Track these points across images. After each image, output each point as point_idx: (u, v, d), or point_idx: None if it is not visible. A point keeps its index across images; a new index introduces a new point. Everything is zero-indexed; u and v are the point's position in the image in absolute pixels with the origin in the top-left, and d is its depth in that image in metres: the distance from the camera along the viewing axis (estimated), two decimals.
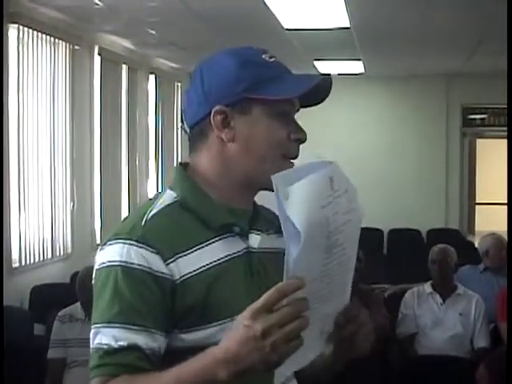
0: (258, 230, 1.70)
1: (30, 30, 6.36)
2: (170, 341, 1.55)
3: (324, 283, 1.45)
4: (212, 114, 1.62)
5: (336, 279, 1.50)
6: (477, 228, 12.47)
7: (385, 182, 11.15)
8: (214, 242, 1.61)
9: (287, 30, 7.34)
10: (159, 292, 1.52)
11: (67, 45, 7.13)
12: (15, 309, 5.67)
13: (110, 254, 1.55)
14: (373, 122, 11.38)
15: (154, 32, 7.56)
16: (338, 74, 10.69)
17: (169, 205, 1.63)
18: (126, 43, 8.51)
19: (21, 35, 6.18)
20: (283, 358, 1.33)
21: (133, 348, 1.49)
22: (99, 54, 7.86)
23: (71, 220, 7.23)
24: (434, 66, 10.29)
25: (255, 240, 1.67)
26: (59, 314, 4.83)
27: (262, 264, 1.67)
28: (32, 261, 6.48)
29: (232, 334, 1.36)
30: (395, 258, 9.12)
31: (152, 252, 1.53)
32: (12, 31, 6.09)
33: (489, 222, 12.18)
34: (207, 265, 1.57)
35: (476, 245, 8.80)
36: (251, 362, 1.33)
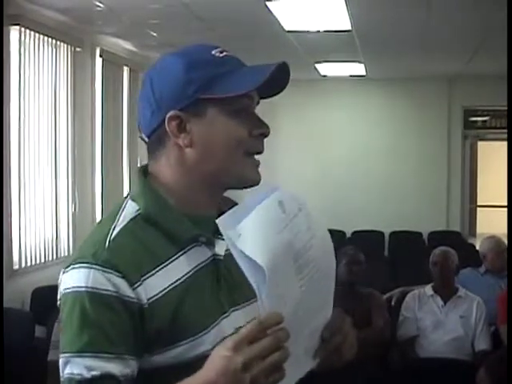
0: (222, 235, 1.63)
1: (32, 32, 6.37)
2: (141, 363, 1.49)
3: (304, 303, 1.42)
4: (166, 120, 1.56)
5: (316, 295, 1.48)
6: (478, 230, 12.48)
7: (386, 185, 11.15)
8: (179, 257, 1.55)
9: (288, 32, 7.34)
10: (128, 316, 1.46)
11: (69, 47, 7.15)
12: (16, 311, 5.67)
13: (76, 278, 1.48)
14: (374, 125, 11.38)
15: (155, 34, 7.57)
16: (340, 77, 10.73)
17: (132, 219, 1.55)
18: (128, 45, 8.52)
19: (22, 37, 6.19)
20: None
21: (106, 377, 1.42)
22: (101, 56, 7.87)
23: (73, 222, 7.23)
24: (435, 69, 10.29)
25: (221, 246, 1.61)
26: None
27: (229, 268, 1.61)
28: (33, 263, 6.48)
29: (212, 364, 1.33)
30: (396, 260, 9.11)
31: (118, 276, 1.46)
32: (14, 33, 6.10)
33: (490, 224, 12.18)
34: (174, 282, 1.52)
35: (477, 247, 8.83)
36: None
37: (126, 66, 8.69)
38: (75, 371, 1.43)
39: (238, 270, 1.64)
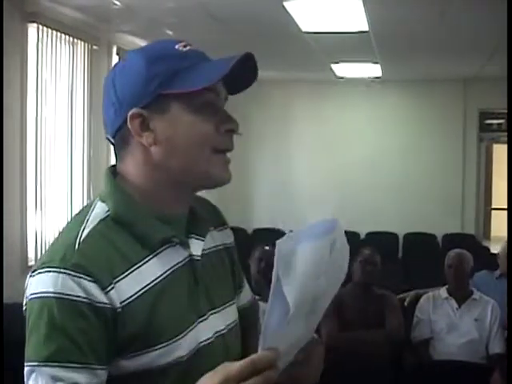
0: (197, 235, 1.59)
1: (49, 30, 6.39)
2: (112, 369, 1.42)
3: (299, 337, 1.42)
4: (128, 119, 1.49)
5: (311, 326, 1.47)
6: (493, 233, 12.42)
7: (401, 186, 11.13)
8: (152, 258, 1.49)
9: (305, 33, 7.34)
10: (100, 323, 1.39)
11: (86, 44, 7.16)
12: None
13: (43, 283, 1.40)
14: (389, 126, 11.36)
15: (171, 33, 7.58)
16: (356, 78, 10.72)
17: (101, 220, 1.49)
18: (144, 43, 8.48)
19: (40, 35, 6.21)
20: None
21: None
22: (117, 54, 7.88)
23: None
24: (451, 70, 10.26)
25: (197, 246, 1.57)
26: None
27: (206, 268, 1.59)
28: None
29: None
30: (410, 262, 9.10)
31: (89, 281, 1.39)
32: (31, 30, 6.12)
33: (505, 227, 12.11)
34: (149, 284, 1.46)
35: (492, 250, 8.80)
36: None
37: None
38: (40, 381, 1.36)
39: (217, 271, 1.62)
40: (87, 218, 1.50)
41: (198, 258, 1.56)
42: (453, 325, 5.16)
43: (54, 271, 1.40)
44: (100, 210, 1.52)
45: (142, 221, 1.50)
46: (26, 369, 1.40)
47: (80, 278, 1.38)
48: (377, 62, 9.43)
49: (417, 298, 5.52)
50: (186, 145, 1.49)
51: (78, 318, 1.37)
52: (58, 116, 6.67)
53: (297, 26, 6.97)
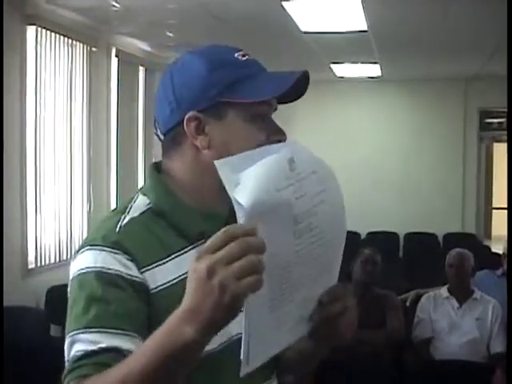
0: None
1: (48, 32, 6.39)
2: None
3: (299, 266, 1.36)
4: (185, 121, 1.53)
5: (315, 262, 1.42)
6: (493, 232, 12.43)
7: (401, 185, 11.13)
8: (190, 250, 1.53)
9: (305, 33, 7.33)
10: (137, 296, 1.44)
11: (85, 46, 7.16)
12: (31, 310, 5.69)
13: (85, 260, 1.47)
14: (389, 126, 11.36)
15: (171, 34, 7.58)
16: (355, 77, 10.72)
17: (142, 212, 1.56)
18: (144, 45, 8.53)
19: (39, 37, 6.21)
20: (237, 301, 1.19)
21: (112, 350, 1.38)
22: (116, 56, 7.88)
23: (88, 221, 7.24)
24: (451, 70, 10.25)
25: None
26: None
27: None
28: (48, 262, 6.50)
29: (187, 287, 1.23)
30: (411, 261, 9.10)
31: (127, 259, 1.46)
32: (30, 33, 6.12)
33: (506, 226, 12.11)
34: (184, 274, 1.44)
35: (492, 249, 8.80)
36: (207, 310, 1.19)
37: (142, 66, 8.71)
38: (80, 348, 1.39)
39: None
40: (128, 208, 1.57)
41: None
42: (454, 324, 5.15)
43: (95, 249, 1.47)
44: (141, 202, 1.58)
45: (181, 213, 1.56)
46: (66, 341, 1.44)
47: (119, 254, 1.46)
48: (376, 62, 9.42)
49: (417, 298, 5.51)
50: (239, 151, 1.46)
51: (115, 289, 1.43)
52: (57, 118, 6.66)
53: (296, 26, 6.97)
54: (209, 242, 1.21)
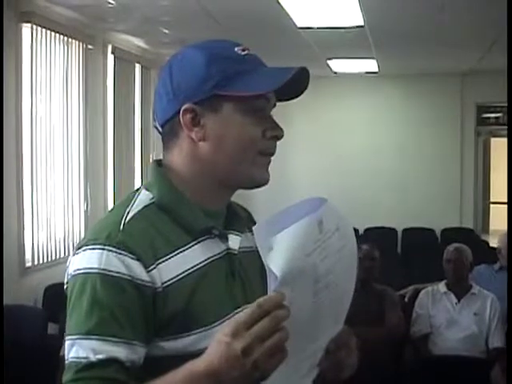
0: (235, 231, 1.64)
1: (44, 29, 6.37)
2: (150, 349, 1.46)
3: (314, 322, 1.41)
4: (181, 112, 1.56)
5: (330, 314, 1.47)
6: (491, 227, 12.42)
7: (399, 181, 11.13)
8: (194, 245, 1.55)
9: (301, 28, 7.32)
10: (140, 301, 1.44)
11: (81, 44, 7.15)
12: (29, 308, 5.68)
13: (87, 260, 1.46)
14: (386, 121, 11.36)
15: (167, 31, 7.57)
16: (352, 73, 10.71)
17: (146, 206, 1.56)
18: (140, 42, 8.52)
19: (34, 34, 6.19)
20: (267, 373, 1.28)
21: (112, 361, 1.39)
22: (112, 53, 7.87)
23: (85, 219, 7.24)
24: (448, 65, 10.25)
25: (235, 241, 1.62)
26: None
27: (243, 265, 1.63)
28: (46, 260, 6.49)
29: (214, 349, 1.30)
30: (409, 257, 9.09)
31: (132, 259, 1.45)
32: (25, 30, 6.10)
33: (503, 221, 12.10)
34: (189, 269, 1.51)
35: (490, 244, 8.80)
36: (233, 378, 1.28)
37: (138, 63, 8.69)
38: (81, 354, 1.40)
39: (252, 264, 1.64)
40: (132, 203, 1.57)
41: (235, 252, 1.61)
42: (452, 319, 5.14)
43: (98, 248, 1.46)
44: (145, 197, 1.58)
45: (185, 209, 1.57)
46: (66, 343, 1.44)
47: (124, 255, 1.44)
48: (373, 57, 9.41)
49: (416, 293, 5.51)
50: (234, 145, 1.56)
51: (119, 294, 1.42)
52: (54, 115, 6.65)
53: (292, 21, 6.95)
54: (243, 315, 1.27)
